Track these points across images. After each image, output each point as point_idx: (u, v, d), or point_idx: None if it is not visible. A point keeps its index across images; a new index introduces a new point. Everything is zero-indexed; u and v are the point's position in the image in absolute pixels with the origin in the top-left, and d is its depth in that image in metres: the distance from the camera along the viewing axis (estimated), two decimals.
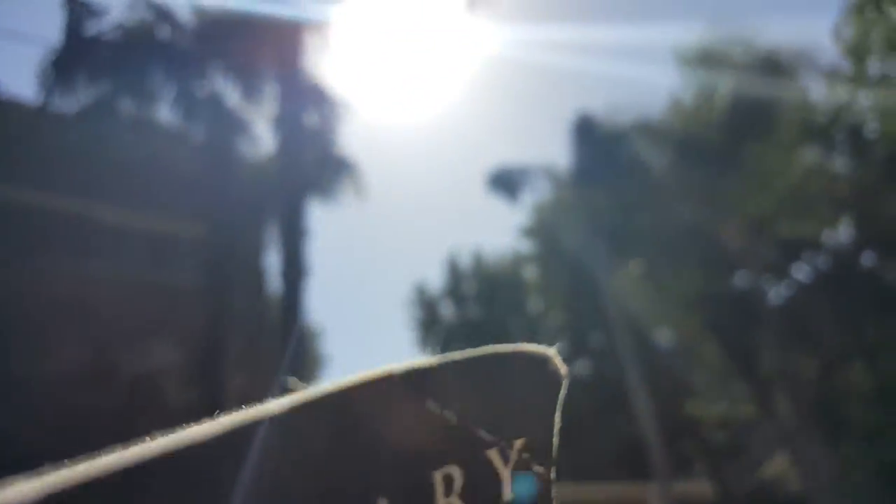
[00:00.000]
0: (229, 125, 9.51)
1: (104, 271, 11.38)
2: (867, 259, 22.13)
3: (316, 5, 9.93)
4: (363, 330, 68.66)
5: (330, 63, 10.47)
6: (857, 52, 7.20)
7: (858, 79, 7.36)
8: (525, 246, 28.69)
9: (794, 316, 20.55)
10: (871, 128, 20.41)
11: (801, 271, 23.13)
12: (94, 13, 8.86)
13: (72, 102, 8.82)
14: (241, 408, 0.47)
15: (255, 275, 13.97)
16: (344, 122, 10.50)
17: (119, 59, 8.82)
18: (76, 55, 8.67)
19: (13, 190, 10.61)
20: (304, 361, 27.21)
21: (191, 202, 10.50)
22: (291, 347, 9.22)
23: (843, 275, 21.35)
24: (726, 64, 14.90)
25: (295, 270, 8.97)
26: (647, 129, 16.34)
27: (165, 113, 9.49)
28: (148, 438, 0.40)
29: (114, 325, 11.53)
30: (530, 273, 28.53)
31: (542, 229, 24.76)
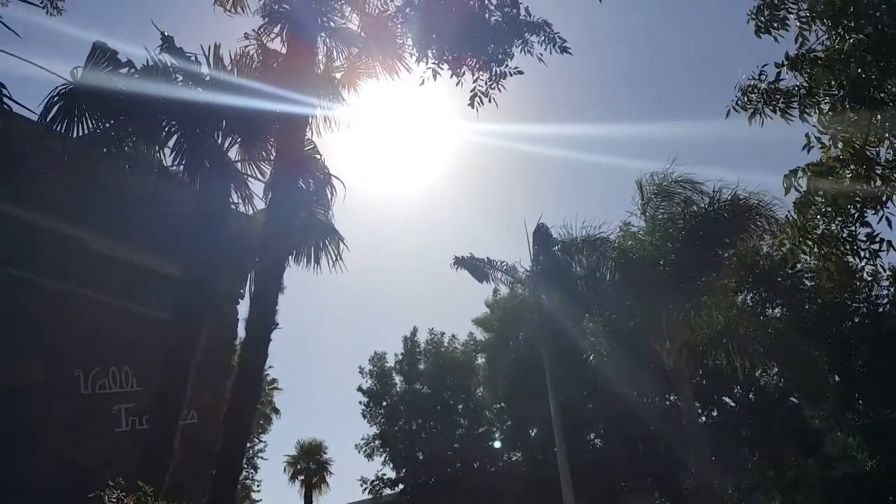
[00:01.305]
0: (227, 177, 9.63)
1: (81, 292, 11.13)
2: (792, 400, 22.48)
3: (320, 100, 10.36)
4: (316, 390, 66.49)
5: (329, 140, 10.89)
6: (804, 208, 7.25)
7: (803, 235, 7.35)
8: (480, 334, 28.73)
9: (719, 439, 20.60)
10: (808, 283, 21.19)
11: (731, 400, 23.35)
12: (118, 62, 9.02)
13: (78, 130, 8.81)
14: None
15: (228, 321, 13.73)
16: (333, 194, 10.80)
17: (131, 98, 8.93)
18: (90, 88, 8.76)
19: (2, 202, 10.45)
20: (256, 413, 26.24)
21: (177, 241, 10.42)
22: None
23: (768, 411, 21.61)
24: (682, 199, 15.48)
25: (262, 323, 8.85)
26: (602, 246, 16.71)
27: (168, 155, 9.57)
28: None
29: (81, 342, 11.18)
30: (481, 361, 28.35)
31: (495, 323, 24.90)
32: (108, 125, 9.23)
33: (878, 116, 6.41)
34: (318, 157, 10.82)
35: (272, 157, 10.38)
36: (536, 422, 25.36)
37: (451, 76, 9.14)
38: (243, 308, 12.47)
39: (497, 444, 20.96)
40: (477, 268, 21.66)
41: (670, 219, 15.60)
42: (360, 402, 30.07)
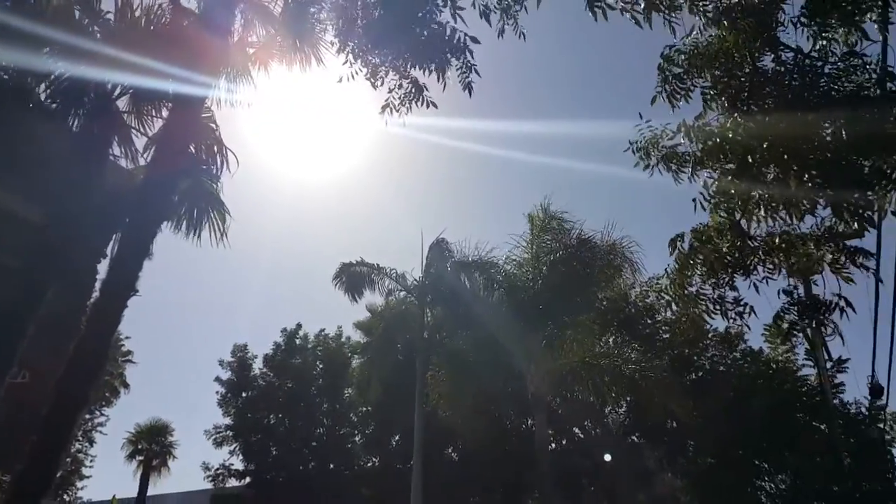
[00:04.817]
0: (111, 125, 8.82)
1: None
2: (633, 439, 23.90)
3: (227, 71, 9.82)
4: (173, 370, 62.69)
5: (231, 114, 10.33)
6: (683, 268, 7.67)
7: (679, 290, 7.79)
8: (360, 337, 28.31)
9: (564, 467, 21.46)
10: (664, 335, 22.67)
11: (580, 431, 24.43)
12: None
13: None
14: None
15: (85, 280, 12.51)
16: (226, 167, 10.19)
17: (13, 28, 7.99)
18: None
19: None
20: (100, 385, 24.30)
21: (44, 184, 9.40)
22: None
23: (610, 446, 22.83)
24: (564, 234, 16.15)
25: (120, 286, 8.03)
26: (491, 269, 17.09)
27: (45, 90, 8.64)
28: None
29: None
30: (355, 363, 27.96)
31: (376, 328, 24.65)
32: None
33: (758, 192, 6.93)
34: (214, 126, 10.19)
35: (164, 116, 9.65)
36: (400, 430, 25.26)
37: (367, 77, 8.96)
38: (105, 268, 11.46)
39: None
40: (358, 279, 21.29)
41: (549, 252, 16.22)
42: (216, 393, 28.68)
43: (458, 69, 8.77)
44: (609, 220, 17.35)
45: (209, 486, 28.05)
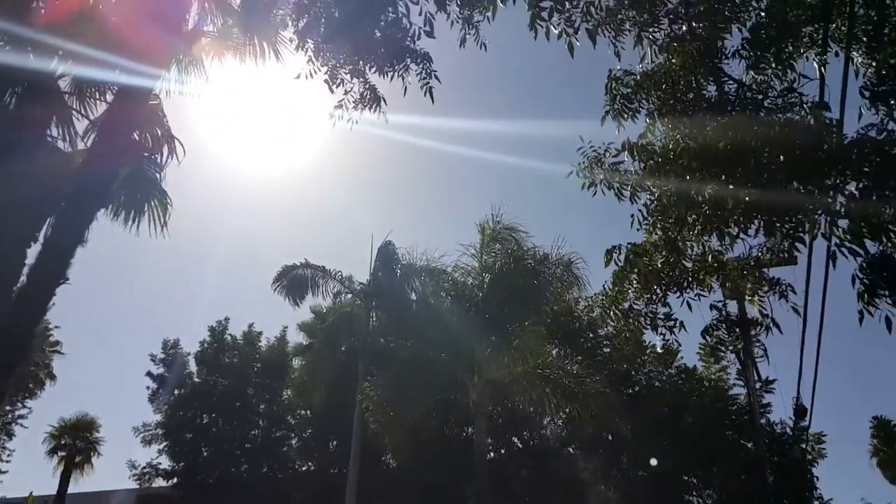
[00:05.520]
0: (50, 105, 8.44)
1: None
2: (569, 450, 24.34)
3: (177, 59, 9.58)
4: (104, 364, 60.10)
5: (180, 103, 10.06)
6: (619, 282, 7.86)
7: (612, 304, 7.95)
8: (302, 338, 27.81)
9: (501, 476, 21.62)
10: (605, 350, 23.21)
11: (519, 441, 24.69)
12: None
13: None
14: None
15: (12, 265, 11.92)
16: (172, 156, 9.91)
17: None
18: None
19: None
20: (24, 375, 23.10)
21: None
22: None
23: (547, 457, 23.17)
24: (510, 248, 16.38)
25: (48, 273, 7.67)
26: (439, 276, 17.14)
27: None
28: None
29: None
30: (296, 364, 27.49)
31: (319, 330, 24.33)
32: None
33: (693, 215, 7.17)
34: (162, 115, 9.90)
35: (108, 100, 9.30)
36: (338, 434, 24.93)
37: (326, 81, 8.88)
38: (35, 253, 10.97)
39: None
40: (301, 282, 20.99)
41: (497, 262, 16.43)
42: (147, 388, 27.68)
43: (417, 74, 8.79)
44: (559, 233, 17.76)
45: (134, 485, 27.01)
